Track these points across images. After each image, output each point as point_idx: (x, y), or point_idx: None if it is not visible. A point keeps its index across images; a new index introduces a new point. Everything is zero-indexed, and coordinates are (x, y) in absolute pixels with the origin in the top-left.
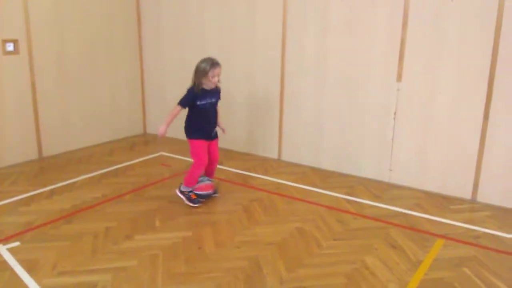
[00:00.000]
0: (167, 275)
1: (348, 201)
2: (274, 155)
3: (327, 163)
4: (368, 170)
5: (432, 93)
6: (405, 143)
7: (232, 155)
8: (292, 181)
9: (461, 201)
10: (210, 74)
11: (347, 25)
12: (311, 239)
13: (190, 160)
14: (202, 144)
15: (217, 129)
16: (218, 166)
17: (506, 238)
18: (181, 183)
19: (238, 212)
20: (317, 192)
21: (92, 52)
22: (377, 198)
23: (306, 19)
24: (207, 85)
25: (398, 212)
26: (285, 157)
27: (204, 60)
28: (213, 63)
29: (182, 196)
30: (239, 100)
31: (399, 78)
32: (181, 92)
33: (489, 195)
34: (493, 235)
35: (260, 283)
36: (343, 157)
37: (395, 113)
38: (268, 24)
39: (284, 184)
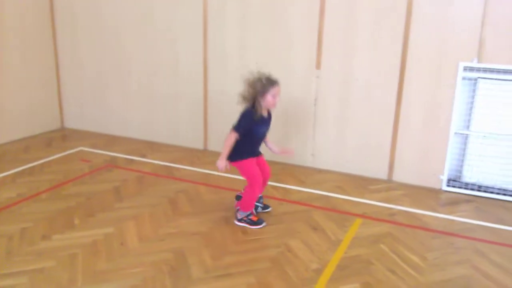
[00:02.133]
0: (88, 274)
1: (275, 187)
2: (199, 145)
3: None
4: (294, 157)
5: (349, 79)
6: (325, 128)
7: (157, 147)
8: (219, 171)
9: (378, 181)
10: (271, 93)
11: (267, 13)
12: (236, 227)
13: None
14: (252, 161)
15: (276, 149)
16: (138, 159)
17: (418, 214)
18: (237, 211)
19: (162, 204)
20: (243, 180)
21: (1, 44)
22: (301, 182)
23: (227, 8)
24: (265, 108)
25: (320, 195)
26: (212, 147)
27: (261, 79)
28: (272, 81)
29: (242, 224)
30: (162, 91)
31: (318, 65)
32: (100, 84)
33: (403, 175)
34: (407, 211)
35: (185, 274)
36: None
37: (315, 100)
38: (188, 13)
39: (211, 174)
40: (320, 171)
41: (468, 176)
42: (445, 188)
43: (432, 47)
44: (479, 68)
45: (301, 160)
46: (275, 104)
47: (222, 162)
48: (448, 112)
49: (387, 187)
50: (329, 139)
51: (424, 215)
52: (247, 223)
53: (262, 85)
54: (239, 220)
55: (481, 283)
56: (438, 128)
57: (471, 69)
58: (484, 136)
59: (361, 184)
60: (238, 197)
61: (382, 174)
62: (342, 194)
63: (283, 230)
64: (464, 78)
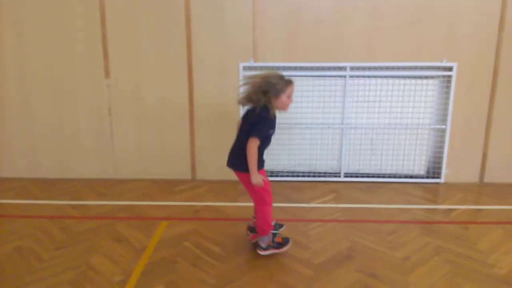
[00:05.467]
0: None
1: (73, 206)
2: None
3: (48, 172)
4: (93, 170)
5: (140, 85)
6: (124, 137)
7: None
8: (9, 198)
9: (183, 182)
10: (286, 93)
11: (44, 23)
12: (31, 256)
13: None
14: (264, 173)
15: None
16: None
17: (220, 206)
18: (258, 239)
19: None
20: (38, 204)
21: None
22: (103, 196)
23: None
24: (277, 109)
25: (124, 205)
26: (0, 173)
27: (274, 77)
28: (287, 81)
29: (270, 252)
30: None
31: (107, 74)
32: None
33: (205, 172)
34: (210, 206)
35: None
36: (65, 161)
37: (109, 109)
38: None
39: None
40: (124, 181)
41: None
42: None
43: (214, 50)
44: (256, 67)
45: (103, 173)
46: (289, 105)
47: (258, 177)
48: (236, 109)
49: (191, 186)
50: (129, 148)
51: (225, 206)
52: (275, 248)
53: (276, 85)
54: (265, 249)
55: (275, 259)
56: (230, 123)
57: (250, 68)
58: None
59: (167, 187)
60: (252, 229)
61: (186, 175)
62: (147, 200)
63: (83, 249)
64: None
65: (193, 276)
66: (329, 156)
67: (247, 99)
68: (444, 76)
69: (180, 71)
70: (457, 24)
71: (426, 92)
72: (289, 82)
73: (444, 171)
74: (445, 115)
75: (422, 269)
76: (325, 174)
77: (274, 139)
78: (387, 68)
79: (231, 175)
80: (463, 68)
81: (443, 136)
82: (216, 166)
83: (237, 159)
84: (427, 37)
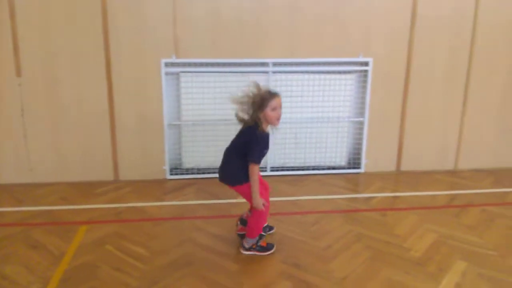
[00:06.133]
0: None
1: None
2: None
3: None
4: (8, 175)
5: (55, 83)
6: (40, 139)
7: None
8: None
9: (105, 183)
10: (270, 107)
11: None
12: None
13: None
14: (260, 185)
15: None
16: None
17: (144, 206)
18: (244, 240)
19: None
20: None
21: None
22: (19, 202)
23: None
24: (268, 124)
25: (41, 210)
26: None
27: (256, 93)
28: (270, 94)
29: (252, 253)
30: None
31: (18, 73)
32: None
33: (129, 172)
34: (133, 207)
35: None
36: None
37: (22, 110)
38: None
39: None
40: (41, 185)
41: (187, 162)
42: (169, 177)
43: (134, 47)
44: (179, 63)
45: (19, 177)
46: (278, 117)
47: (259, 201)
48: (159, 106)
49: (114, 187)
50: (46, 150)
51: (149, 206)
52: (257, 251)
53: (258, 100)
54: (248, 250)
55: (201, 256)
56: (153, 122)
57: (172, 64)
58: (193, 124)
59: (87, 190)
60: (244, 222)
61: (108, 176)
62: (65, 205)
63: None
64: (167, 73)
65: (116, 280)
66: None
67: (240, 119)
68: (361, 71)
69: (97, 68)
70: (372, 21)
71: (345, 87)
72: (272, 95)
73: (363, 161)
74: (363, 108)
75: (343, 256)
76: None
77: (199, 135)
78: (307, 63)
79: (156, 174)
80: (378, 63)
81: (361, 128)
82: (140, 166)
83: (227, 174)
84: (345, 33)
